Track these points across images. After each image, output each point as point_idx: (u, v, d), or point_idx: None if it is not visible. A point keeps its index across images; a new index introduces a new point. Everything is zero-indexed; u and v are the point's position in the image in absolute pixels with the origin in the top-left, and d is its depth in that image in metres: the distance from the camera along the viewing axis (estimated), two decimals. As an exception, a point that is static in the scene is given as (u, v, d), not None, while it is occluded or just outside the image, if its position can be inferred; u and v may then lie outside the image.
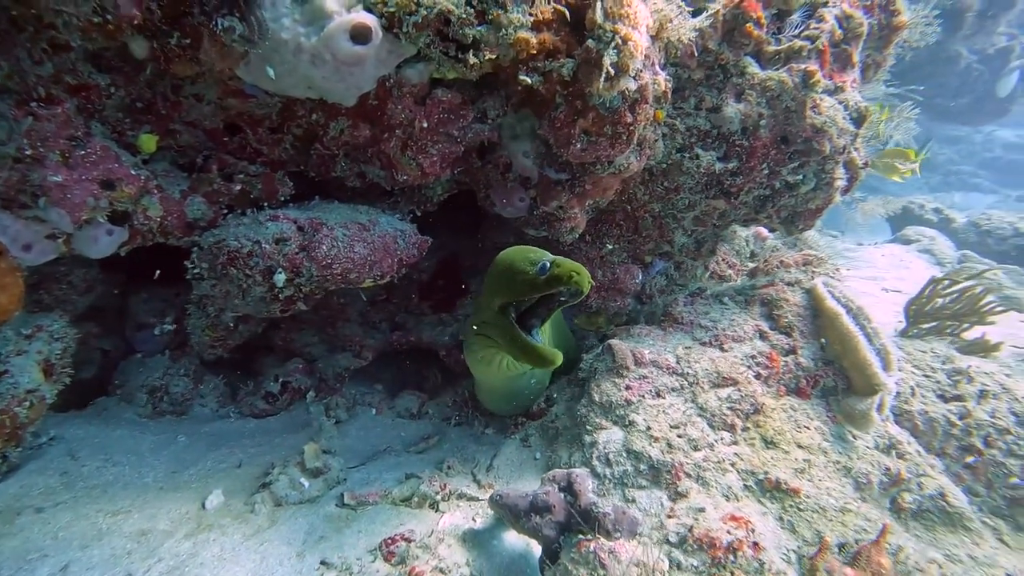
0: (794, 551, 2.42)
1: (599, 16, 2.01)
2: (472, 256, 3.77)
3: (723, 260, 3.87)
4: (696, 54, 2.60)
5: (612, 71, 2.05)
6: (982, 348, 3.96)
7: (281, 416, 3.40)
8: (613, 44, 2.01)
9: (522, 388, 3.13)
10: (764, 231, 4.74)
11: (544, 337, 2.41)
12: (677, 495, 2.47)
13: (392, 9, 2.10)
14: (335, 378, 3.56)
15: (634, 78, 2.19)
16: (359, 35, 2.12)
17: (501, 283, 2.39)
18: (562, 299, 2.34)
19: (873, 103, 5.59)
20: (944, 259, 7.95)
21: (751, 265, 4.25)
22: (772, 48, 2.68)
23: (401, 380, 3.90)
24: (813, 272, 3.69)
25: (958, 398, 3.55)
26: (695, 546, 2.25)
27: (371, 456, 3.07)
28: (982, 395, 3.56)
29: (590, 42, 2.06)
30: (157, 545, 2.15)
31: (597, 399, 2.76)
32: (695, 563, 2.23)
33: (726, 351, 2.95)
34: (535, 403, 3.24)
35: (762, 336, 3.03)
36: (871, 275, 7.52)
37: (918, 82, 10.67)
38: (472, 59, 2.19)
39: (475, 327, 2.62)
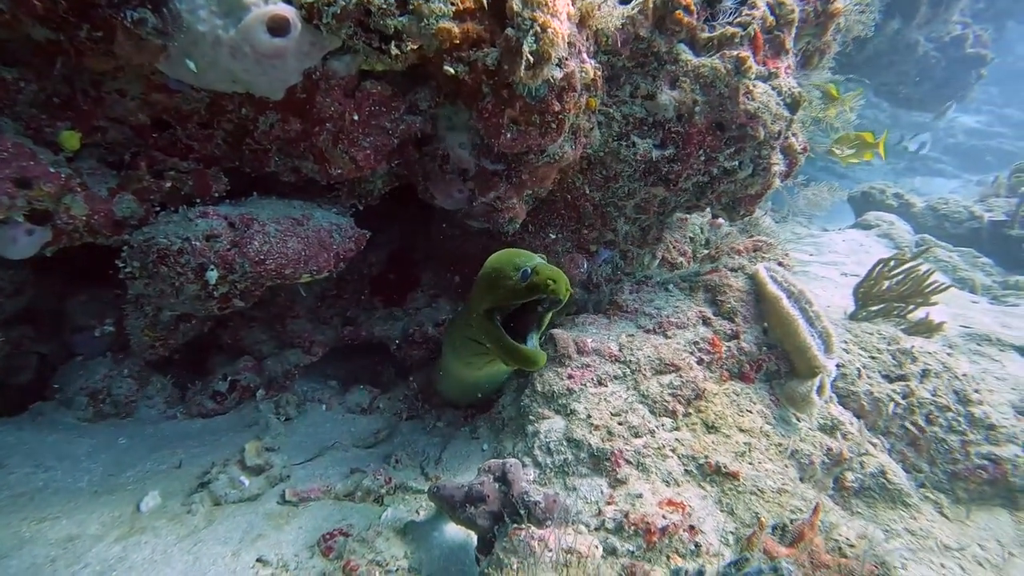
0: (732, 532, 2.46)
1: (516, 4, 2.00)
2: (422, 250, 3.75)
3: (674, 248, 3.90)
4: (628, 42, 2.60)
5: (532, 59, 2.04)
6: (927, 328, 4.06)
7: (230, 415, 3.36)
8: (532, 32, 2.01)
9: (492, 382, 3.13)
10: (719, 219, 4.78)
11: (536, 342, 2.38)
12: (617, 482, 2.49)
13: (311, 0, 2.07)
14: (285, 375, 3.52)
15: (558, 66, 2.19)
16: (277, 27, 2.08)
17: (487, 288, 2.37)
18: (544, 306, 2.33)
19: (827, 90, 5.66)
20: (902, 243, 8.12)
21: (705, 252, 4.29)
22: (705, 35, 2.70)
23: (355, 376, 3.87)
24: (762, 258, 3.74)
25: (902, 378, 3.64)
26: (631, 531, 2.27)
27: (319, 452, 3.04)
28: (924, 374, 3.64)
29: (509, 31, 2.05)
30: (84, 551, 2.11)
31: (540, 389, 2.77)
32: (631, 548, 2.25)
33: (669, 338, 2.98)
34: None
35: (705, 322, 3.06)
36: (832, 260, 7.64)
37: (880, 71, 10.86)
38: (395, 50, 2.16)
39: (464, 332, 2.60)
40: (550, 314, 2.42)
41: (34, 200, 2.22)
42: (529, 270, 2.22)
